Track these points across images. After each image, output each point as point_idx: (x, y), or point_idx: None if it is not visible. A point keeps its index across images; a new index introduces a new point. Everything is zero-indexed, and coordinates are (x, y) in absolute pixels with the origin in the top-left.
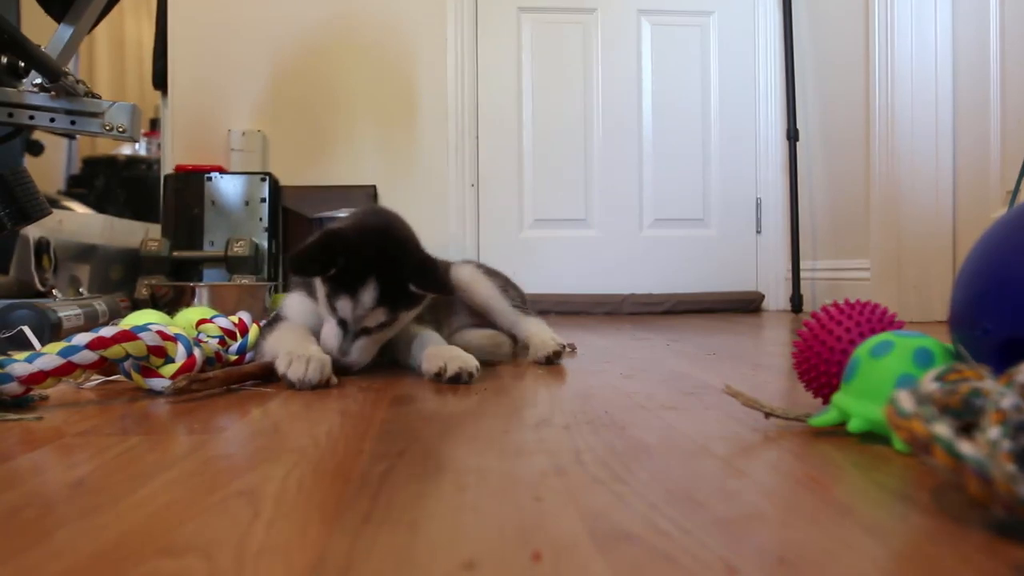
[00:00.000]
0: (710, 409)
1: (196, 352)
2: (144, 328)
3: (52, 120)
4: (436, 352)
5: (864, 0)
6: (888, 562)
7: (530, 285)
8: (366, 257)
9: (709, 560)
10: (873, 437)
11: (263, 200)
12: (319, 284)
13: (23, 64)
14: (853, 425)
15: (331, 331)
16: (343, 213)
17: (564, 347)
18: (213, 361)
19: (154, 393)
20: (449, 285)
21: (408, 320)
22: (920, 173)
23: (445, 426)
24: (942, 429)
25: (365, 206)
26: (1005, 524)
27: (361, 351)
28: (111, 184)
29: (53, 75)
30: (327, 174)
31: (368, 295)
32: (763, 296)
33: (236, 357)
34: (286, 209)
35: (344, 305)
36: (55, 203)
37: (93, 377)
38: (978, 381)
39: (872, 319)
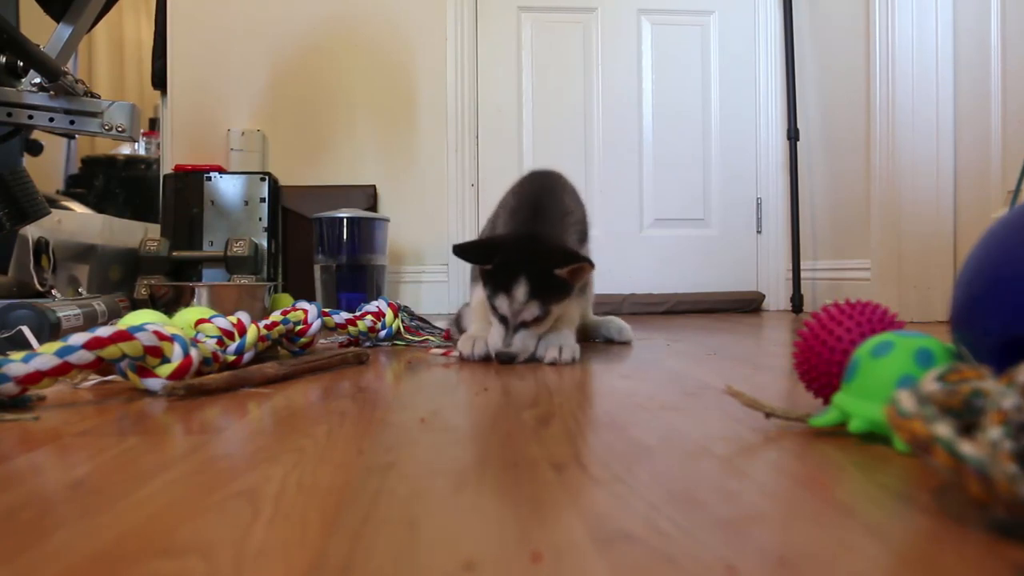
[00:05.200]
0: (710, 409)
1: (192, 352)
2: (141, 328)
3: (51, 120)
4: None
5: (865, 0)
6: (889, 562)
7: None
8: (514, 258)
9: (709, 561)
10: (874, 437)
11: (263, 200)
12: (481, 291)
13: (22, 63)
14: (854, 425)
15: (495, 330)
16: (342, 213)
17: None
18: (210, 361)
19: (151, 393)
20: (584, 256)
21: (561, 311)
22: (921, 173)
23: (444, 427)
24: (943, 429)
25: (530, 184)
26: (1006, 524)
27: (521, 343)
28: (110, 184)
29: (52, 74)
30: (327, 174)
31: (521, 291)
32: (763, 296)
33: (234, 358)
34: (286, 209)
35: (502, 303)
36: (54, 203)
37: (90, 377)
38: (979, 381)
39: (873, 319)
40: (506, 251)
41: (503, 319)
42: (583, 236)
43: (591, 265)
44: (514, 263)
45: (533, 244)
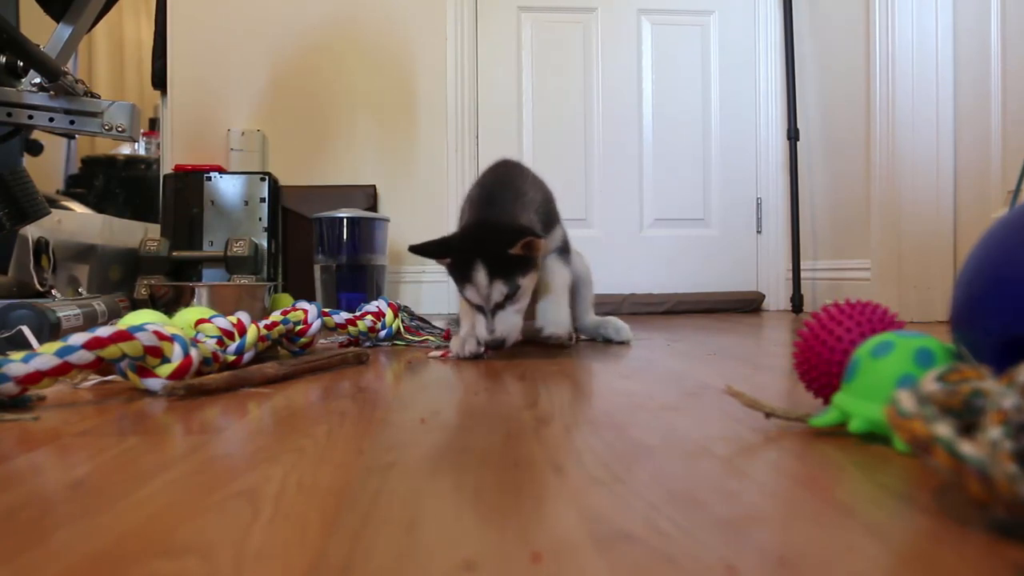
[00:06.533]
0: (710, 409)
1: (192, 352)
2: (141, 328)
3: (51, 120)
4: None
5: (865, 0)
6: (889, 562)
7: None
8: (468, 247)
9: (710, 561)
10: (874, 437)
11: (263, 200)
12: (456, 291)
13: (22, 63)
14: (854, 425)
15: (477, 322)
16: (342, 213)
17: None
18: (210, 361)
19: (151, 393)
20: (530, 229)
21: (531, 282)
22: (921, 173)
23: (443, 427)
24: (943, 429)
25: (493, 174)
26: (1006, 524)
27: (503, 324)
28: (110, 184)
29: (52, 74)
30: (327, 174)
31: (482, 276)
32: (763, 296)
33: (234, 358)
34: (286, 209)
35: (471, 293)
36: (54, 203)
37: (90, 377)
38: (979, 381)
39: (873, 319)
40: (461, 243)
41: (479, 308)
42: (547, 218)
43: (539, 237)
44: (469, 252)
45: (483, 230)
